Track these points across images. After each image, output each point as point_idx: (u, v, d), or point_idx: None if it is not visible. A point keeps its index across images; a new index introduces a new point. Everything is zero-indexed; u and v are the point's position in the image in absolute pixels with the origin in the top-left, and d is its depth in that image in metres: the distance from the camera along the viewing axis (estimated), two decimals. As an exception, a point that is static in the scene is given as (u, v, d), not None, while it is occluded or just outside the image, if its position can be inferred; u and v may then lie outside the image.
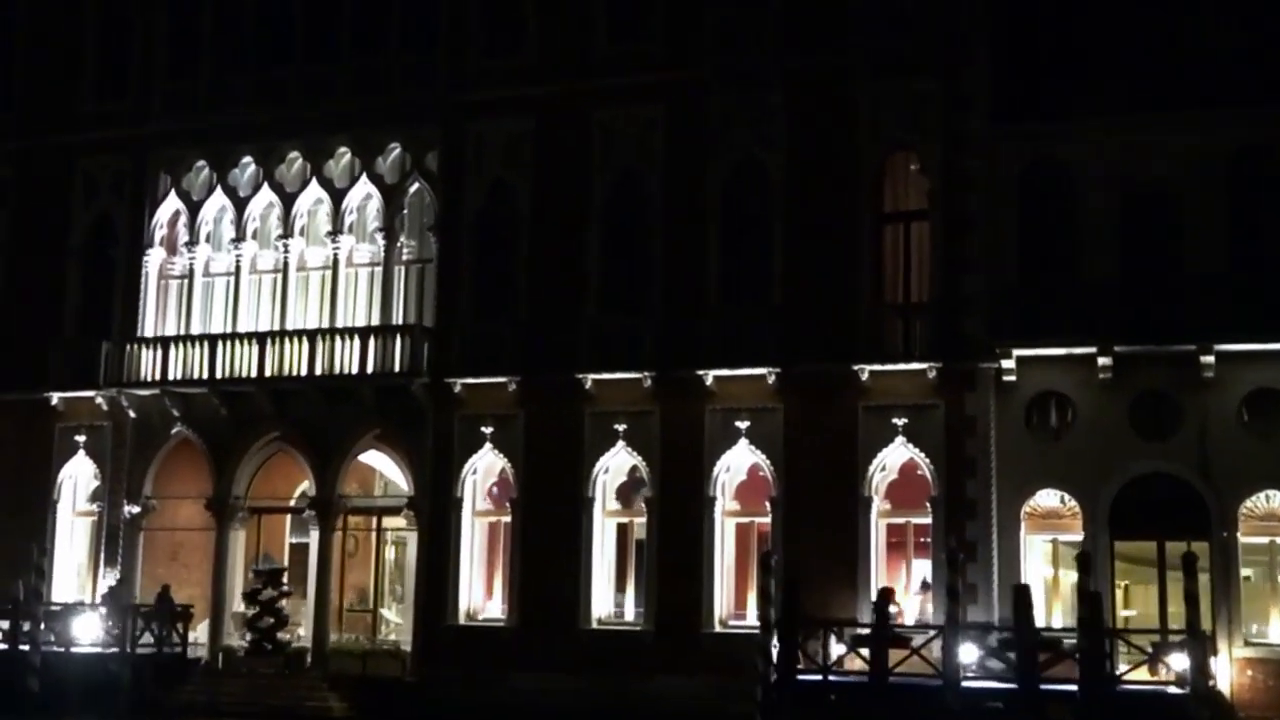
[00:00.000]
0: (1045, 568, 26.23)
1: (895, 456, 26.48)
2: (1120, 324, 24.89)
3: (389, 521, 32.94)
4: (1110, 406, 25.31)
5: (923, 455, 26.17)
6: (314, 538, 33.31)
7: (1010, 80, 26.49)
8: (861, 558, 26.25)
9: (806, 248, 27.35)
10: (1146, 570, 25.76)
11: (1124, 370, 25.04)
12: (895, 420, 26.26)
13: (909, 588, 26.79)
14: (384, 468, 33.07)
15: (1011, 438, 25.78)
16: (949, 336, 26.08)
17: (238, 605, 32.01)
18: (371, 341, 29.93)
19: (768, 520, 27.40)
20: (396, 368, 29.66)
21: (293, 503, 34.22)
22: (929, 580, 26.76)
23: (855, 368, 26.34)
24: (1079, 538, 25.55)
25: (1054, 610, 25.86)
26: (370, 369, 29.83)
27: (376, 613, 32.97)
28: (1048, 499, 25.90)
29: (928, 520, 26.37)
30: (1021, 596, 22.79)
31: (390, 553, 34.74)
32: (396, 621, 32.99)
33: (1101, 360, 25.00)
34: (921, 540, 26.66)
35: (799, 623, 24.48)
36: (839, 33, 27.64)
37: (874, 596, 24.76)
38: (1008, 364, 25.52)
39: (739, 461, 27.62)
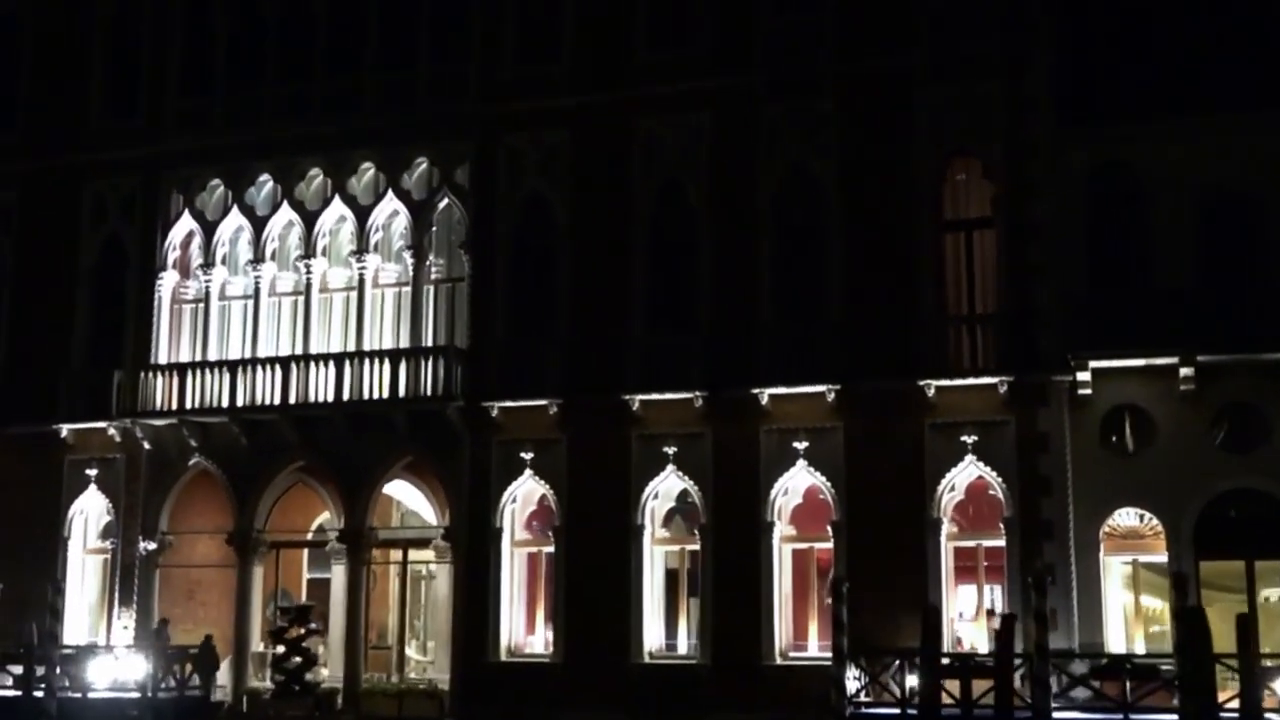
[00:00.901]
0: (1125, 591, 24.92)
1: (964, 476, 25.18)
2: (1201, 333, 23.74)
3: (418, 554, 31.59)
4: (1192, 419, 24.14)
5: (994, 474, 24.89)
6: (336, 572, 31.91)
7: (1075, 80, 25.43)
8: (931, 583, 24.91)
9: (864, 259, 26.14)
10: (1220, 592, 24.52)
11: (1206, 381, 23.89)
12: (964, 438, 25.01)
13: (979, 614, 25.42)
14: (405, 498, 31.63)
15: (1087, 454, 24.57)
16: (1019, 349, 24.88)
17: (257, 644, 30.48)
18: (403, 365, 28.51)
19: (827, 545, 26.07)
20: (429, 391, 28.23)
21: (310, 535, 32.82)
22: (994, 607, 25.52)
23: (921, 383, 25.07)
24: (1161, 559, 24.37)
25: (1135, 636, 24.55)
26: (401, 393, 28.40)
27: (401, 650, 31.53)
28: (1126, 518, 24.66)
29: (998, 543, 25.09)
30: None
31: (416, 588, 33.33)
32: (419, 659, 31.59)
33: (1184, 371, 23.86)
34: (993, 564, 25.31)
35: (873, 653, 23.14)
36: (895, 35, 26.52)
37: (997, 624, 23.10)
38: (1083, 376, 24.33)
39: (797, 484, 26.29)
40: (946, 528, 25.23)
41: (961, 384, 25.03)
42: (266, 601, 31.03)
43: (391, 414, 28.51)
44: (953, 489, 25.24)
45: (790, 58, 27.14)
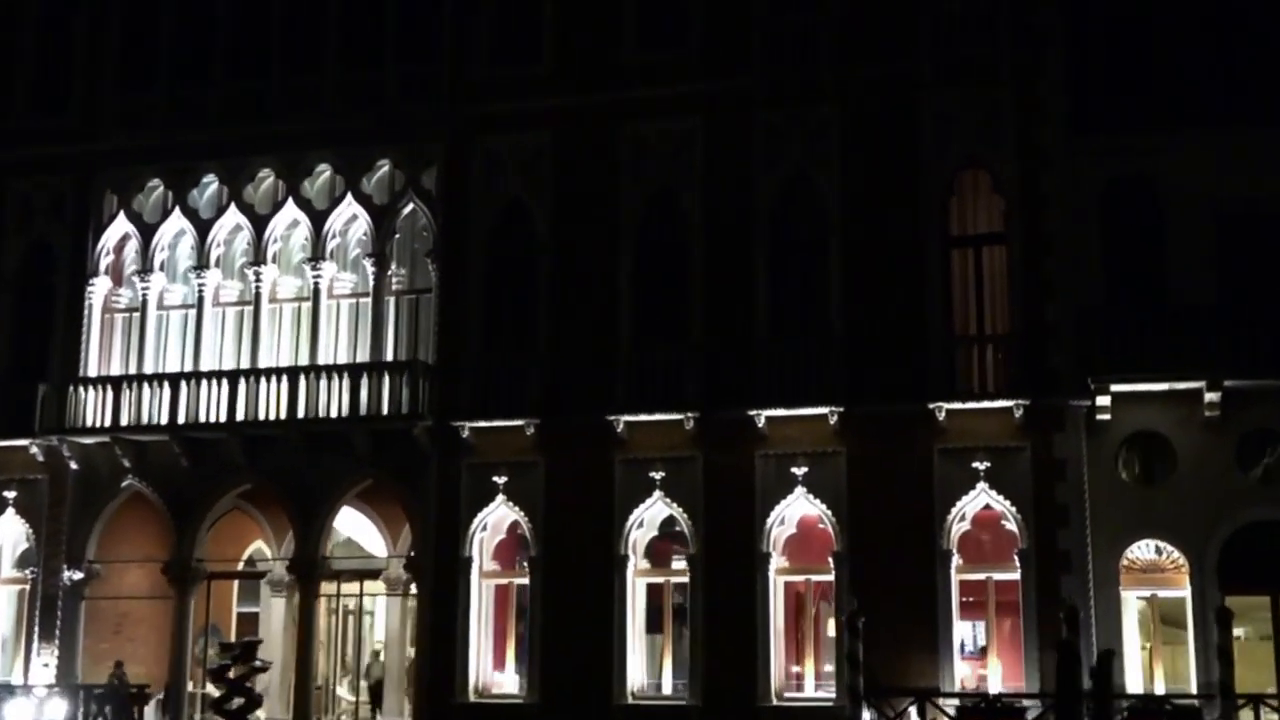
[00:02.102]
0: (1144, 626, 23.61)
1: (976, 504, 23.74)
2: (1226, 356, 22.63)
3: (360, 587, 29.51)
4: (1215, 447, 22.99)
5: (1008, 503, 23.48)
6: (275, 606, 29.76)
7: (1087, 89, 24.35)
8: (941, 619, 23.39)
9: (868, 274, 24.67)
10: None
11: (1231, 407, 22.76)
12: (976, 464, 23.58)
13: (993, 652, 23.92)
14: (345, 526, 29.36)
15: (1104, 483, 23.31)
16: (1032, 371, 23.56)
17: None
18: (365, 380, 26.41)
19: (827, 578, 24.45)
20: (394, 410, 26.16)
21: (241, 565, 30.48)
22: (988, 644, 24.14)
23: (931, 406, 23.61)
24: (1182, 593, 23.16)
25: (1155, 674, 23.25)
26: (363, 412, 26.27)
27: (328, 690, 29.46)
28: (1144, 551, 23.40)
29: (1010, 576, 23.66)
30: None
31: (350, 624, 31.17)
32: (350, 699, 29.43)
33: (1209, 396, 22.71)
34: (1003, 599, 23.86)
35: (886, 693, 21.57)
36: (900, 39, 25.16)
37: (1094, 660, 21.26)
38: (1103, 401, 23.09)
39: (794, 513, 24.65)
40: (956, 560, 23.70)
41: (974, 407, 23.60)
42: (196, 637, 28.60)
43: (351, 434, 26.33)
44: (963, 518, 23.75)
45: (788, 61, 25.65)
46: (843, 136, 25.19)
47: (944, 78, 24.77)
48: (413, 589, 28.43)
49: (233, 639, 30.08)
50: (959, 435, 23.71)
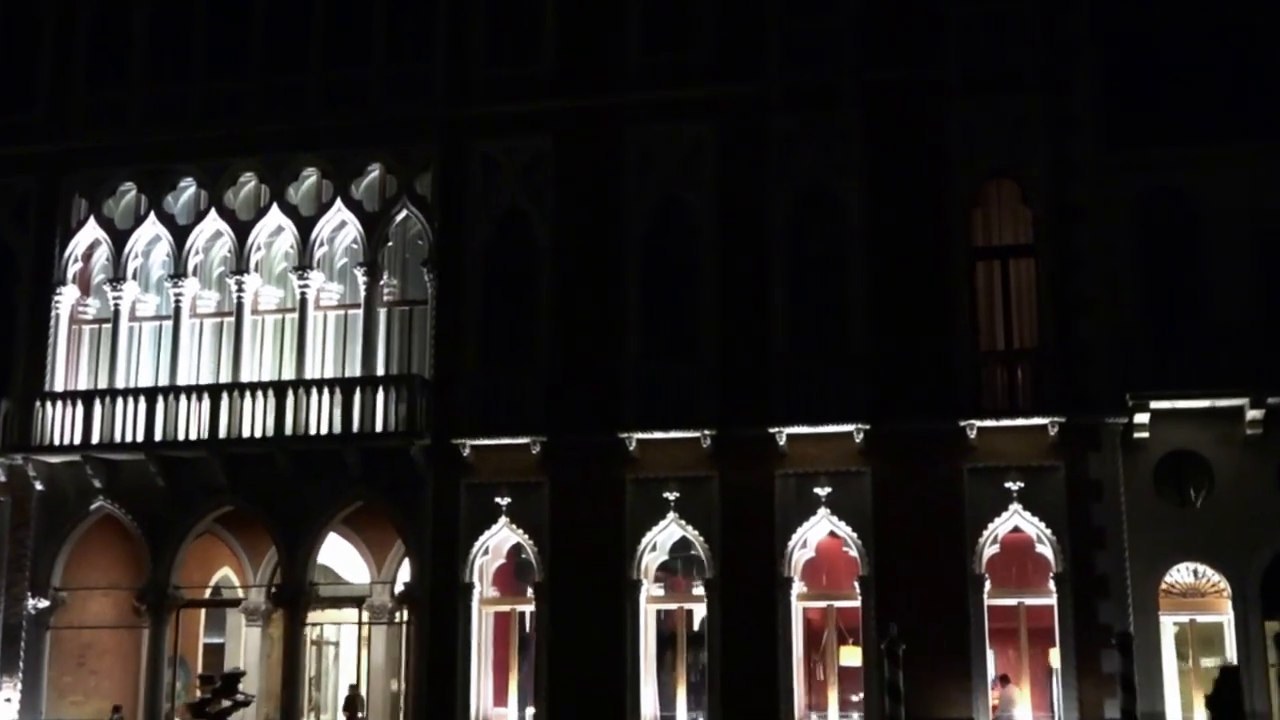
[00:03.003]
0: (1180, 653, 22.76)
1: (1008, 527, 22.79)
2: (1268, 373, 21.88)
3: (349, 615, 27.98)
4: (1256, 467, 22.26)
5: (1043, 525, 22.55)
6: (249, 635, 28.18)
7: (1119, 100, 23.58)
8: (974, 646, 22.39)
9: (891, 286, 23.68)
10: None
11: (1273, 425, 22.05)
12: (1008, 484, 22.63)
13: (1024, 680, 22.96)
14: (322, 552, 27.75)
15: (1141, 504, 22.48)
16: (1066, 388, 22.68)
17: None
18: (358, 396, 24.93)
19: (851, 604, 23.37)
20: (390, 427, 24.72)
21: (208, 593, 28.79)
22: (1007, 674, 23.20)
23: (962, 424, 22.64)
24: (1221, 618, 22.36)
25: (1194, 702, 22.40)
26: (355, 429, 24.80)
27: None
28: (1183, 574, 22.57)
29: (1044, 601, 22.74)
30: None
31: (329, 655, 29.65)
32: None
33: (1251, 414, 21.97)
34: (1035, 625, 22.90)
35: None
36: (924, 45, 24.26)
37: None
38: (1140, 419, 22.25)
39: (817, 535, 23.54)
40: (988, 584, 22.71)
41: (1006, 425, 22.65)
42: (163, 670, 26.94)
43: (343, 452, 24.84)
44: (995, 540, 22.78)
45: (805, 65, 24.65)
46: (863, 144, 24.20)
47: (970, 85, 23.90)
48: (399, 617, 27.08)
49: (199, 670, 28.59)
50: (989, 454, 22.77)
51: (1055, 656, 22.95)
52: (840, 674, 23.71)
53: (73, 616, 26.73)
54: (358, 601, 27.78)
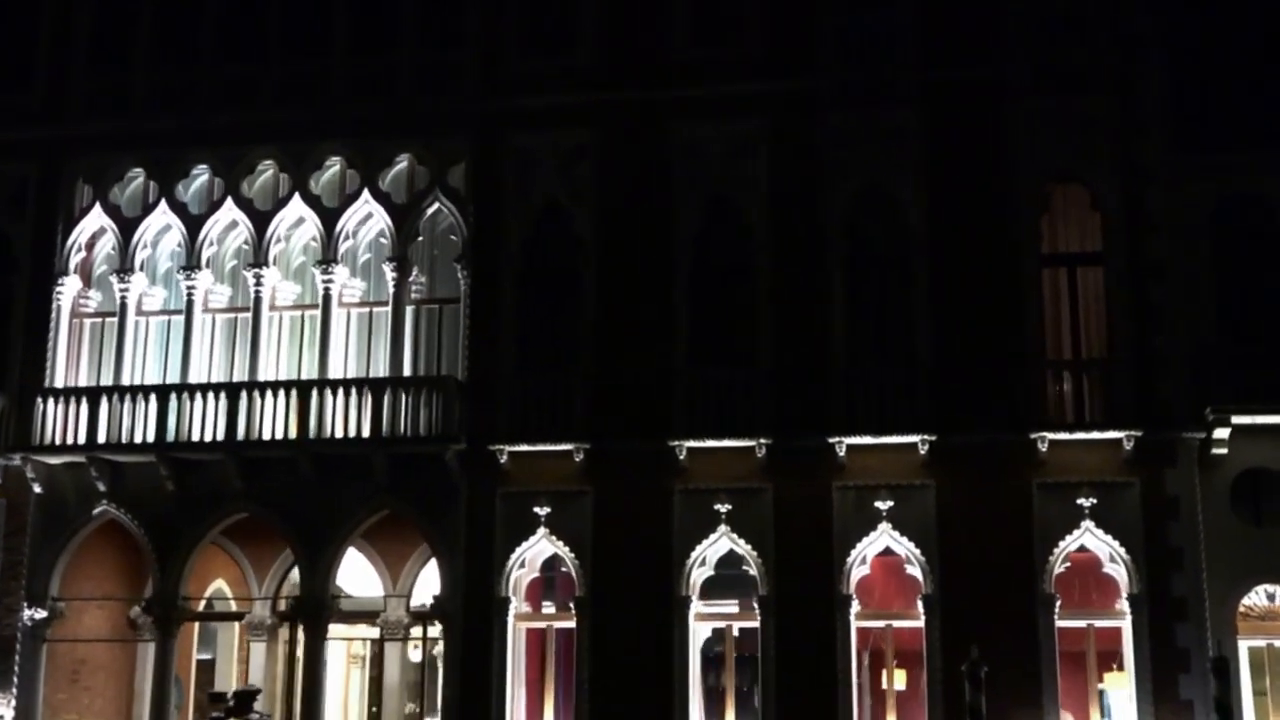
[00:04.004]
0: (1258, 679, 21.89)
1: (1079, 544, 21.82)
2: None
3: (362, 631, 26.50)
4: (1342, 486, 21.48)
5: (1116, 543, 21.60)
6: (255, 651, 26.63)
7: (1191, 101, 22.76)
8: (1045, 670, 21.37)
9: (954, 293, 22.69)
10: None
11: (1356, 443, 21.30)
12: (1080, 501, 21.67)
13: (1092, 706, 21.95)
14: None
15: (1218, 523, 21.59)
16: (1139, 401, 21.79)
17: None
18: (387, 398, 23.53)
19: (910, 624, 22.29)
20: (422, 431, 23.34)
21: (201, 605, 27.14)
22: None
23: (1033, 436, 21.66)
24: (1300, 643, 21.52)
25: (1270, 728, 21.56)
26: (385, 433, 23.40)
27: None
28: (1259, 598, 21.72)
29: (1114, 623, 21.80)
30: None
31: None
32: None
33: (1341, 430, 21.17)
34: (1103, 649, 21.93)
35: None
36: (987, 42, 23.35)
37: None
38: (1220, 434, 21.38)
39: (875, 551, 22.44)
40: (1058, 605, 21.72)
41: (1080, 438, 21.70)
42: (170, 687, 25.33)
43: (371, 457, 23.42)
44: (1066, 559, 21.79)
45: (861, 61, 23.64)
46: (922, 144, 23.21)
47: (1035, 85, 22.98)
48: (414, 633, 25.68)
49: (193, 689, 27.06)
50: (1060, 469, 21.81)
51: (1115, 680, 22.02)
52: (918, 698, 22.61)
53: (68, 629, 25.06)
54: (370, 617, 26.25)
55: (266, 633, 26.61)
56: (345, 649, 27.34)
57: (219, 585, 27.66)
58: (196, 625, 27.43)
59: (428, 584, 25.28)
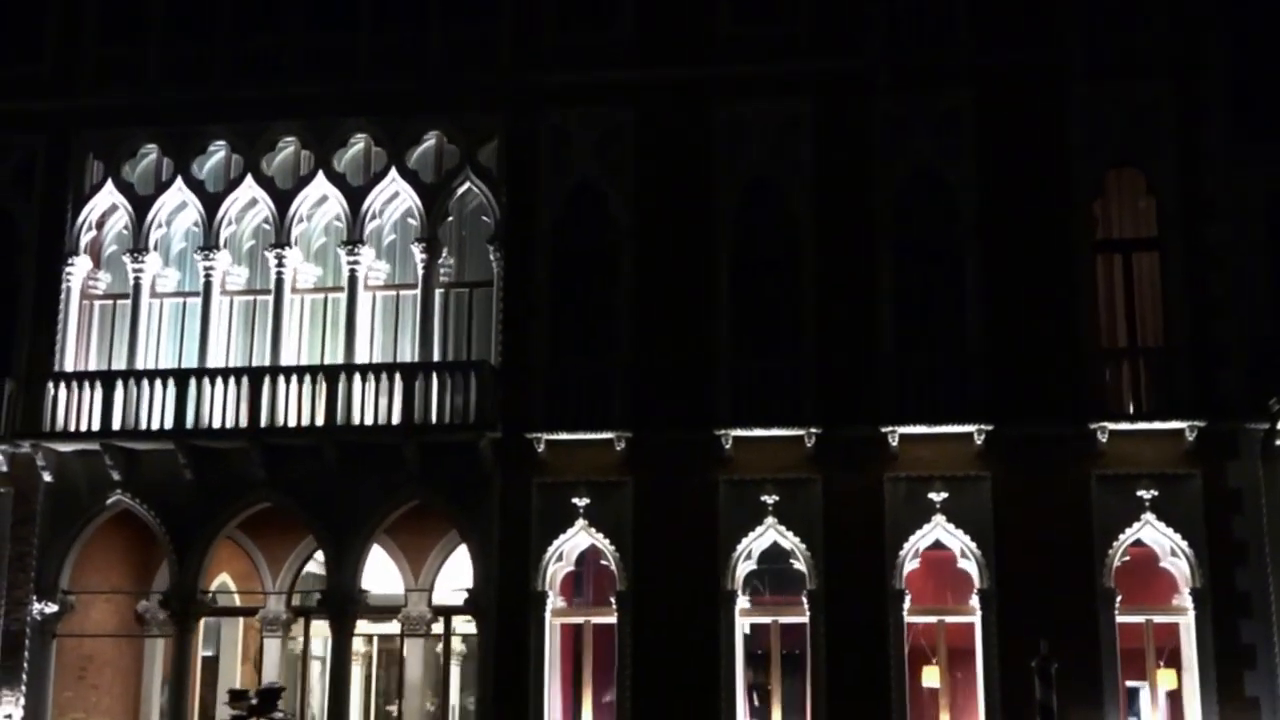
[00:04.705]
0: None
1: (1139, 538, 21.23)
2: None
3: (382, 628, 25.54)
4: (1403, 479, 20.98)
5: (1178, 537, 21.03)
6: (269, 648, 25.63)
7: (1254, 86, 22.22)
8: (1106, 667, 20.76)
9: (1008, 279, 22.07)
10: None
11: None
12: (1140, 493, 21.08)
13: (1156, 706, 21.38)
14: None
15: (1278, 516, 21.03)
16: (1199, 391, 21.23)
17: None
18: (418, 384, 22.62)
19: (962, 619, 21.64)
20: (453, 419, 22.44)
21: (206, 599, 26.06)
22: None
23: (1092, 426, 21.04)
24: (1362, 640, 20.97)
25: (1330, 729, 21.02)
26: (417, 419, 22.48)
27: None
28: (1321, 592, 21.23)
29: (1172, 619, 21.23)
30: None
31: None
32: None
33: (1403, 421, 20.69)
34: (1161, 645, 21.36)
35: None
36: (1044, 23, 22.74)
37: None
38: (1285, 424, 20.86)
39: (927, 544, 21.76)
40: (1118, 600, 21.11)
41: (1141, 429, 21.11)
42: (161, 687, 24.66)
43: (402, 445, 22.50)
44: (1125, 554, 21.19)
45: (913, 42, 22.98)
46: (978, 128, 22.56)
47: (1092, 69, 22.39)
48: (435, 629, 24.76)
49: (198, 686, 25.99)
50: (1119, 460, 21.23)
51: (1161, 676, 21.44)
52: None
53: (75, 624, 23.98)
54: (390, 612, 25.27)
55: (281, 628, 25.56)
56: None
57: (224, 579, 26.59)
58: (202, 621, 26.34)
59: (449, 578, 24.46)
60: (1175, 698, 21.60)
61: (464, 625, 24.93)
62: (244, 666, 26.40)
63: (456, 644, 24.96)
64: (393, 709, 25.66)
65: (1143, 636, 21.35)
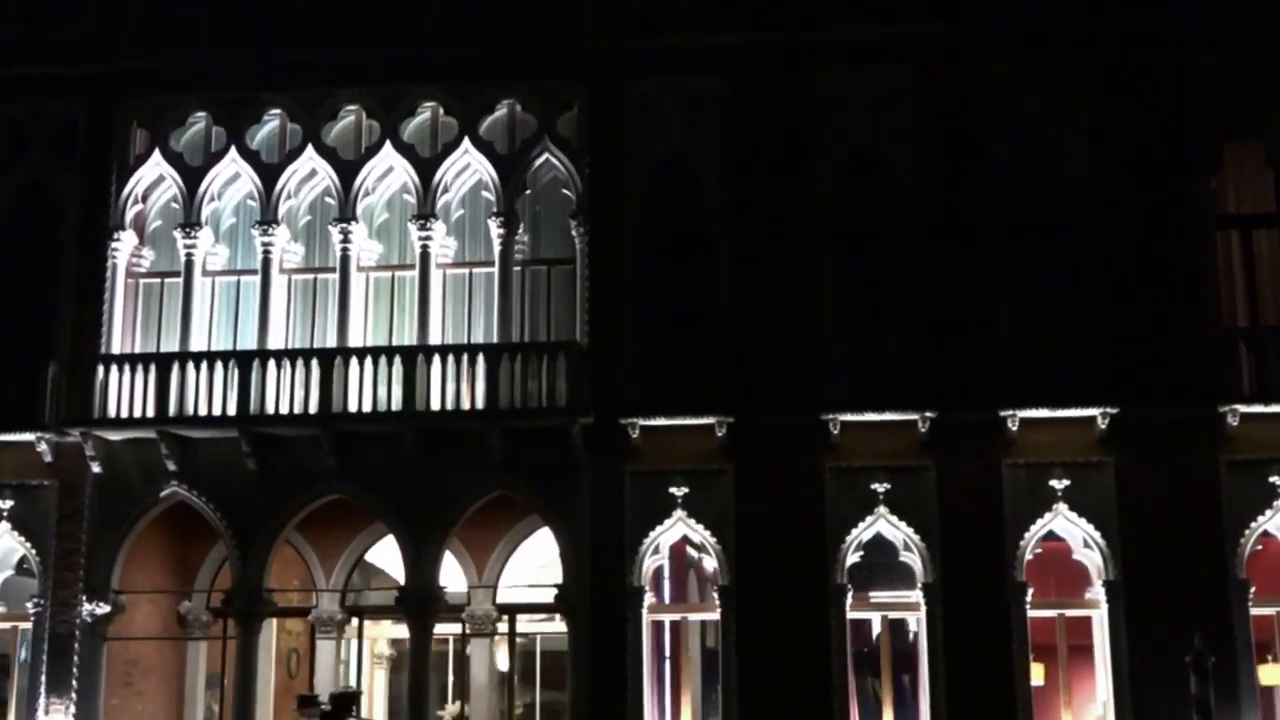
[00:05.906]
0: None
1: (1265, 530, 20.29)
2: None
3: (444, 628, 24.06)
4: None
5: (1314, 525, 20.13)
6: (322, 649, 24.15)
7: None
8: (1242, 663, 19.77)
9: (1126, 256, 21.04)
10: None
11: None
12: (1274, 479, 20.13)
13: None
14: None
15: None
16: (1329, 373, 20.32)
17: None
18: (503, 368, 21.22)
19: (1083, 613, 20.63)
20: (541, 403, 21.08)
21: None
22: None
23: (1221, 409, 20.07)
24: None
25: None
26: (502, 405, 21.09)
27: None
28: None
29: (1301, 611, 20.36)
30: None
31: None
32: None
33: None
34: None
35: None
36: (1160, -12, 21.75)
37: None
38: None
39: (1045, 534, 20.69)
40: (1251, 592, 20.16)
41: (1275, 411, 20.13)
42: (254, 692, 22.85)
43: (489, 433, 21.09)
44: (1259, 544, 20.25)
45: (1025, 5, 21.89)
46: (1090, 98, 21.50)
47: (1213, 36, 21.37)
48: (500, 628, 23.43)
49: (233, 690, 24.44)
50: (1249, 445, 20.24)
51: (1268, 673, 20.52)
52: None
53: (123, 626, 22.37)
54: (454, 610, 23.82)
55: (335, 629, 24.06)
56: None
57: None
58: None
59: (514, 574, 23.23)
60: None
61: (531, 624, 23.75)
62: (278, 670, 24.86)
63: (526, 642, 23.69)
64: (454, 709, 24.25)
65: (1273, 628, 20.41)
